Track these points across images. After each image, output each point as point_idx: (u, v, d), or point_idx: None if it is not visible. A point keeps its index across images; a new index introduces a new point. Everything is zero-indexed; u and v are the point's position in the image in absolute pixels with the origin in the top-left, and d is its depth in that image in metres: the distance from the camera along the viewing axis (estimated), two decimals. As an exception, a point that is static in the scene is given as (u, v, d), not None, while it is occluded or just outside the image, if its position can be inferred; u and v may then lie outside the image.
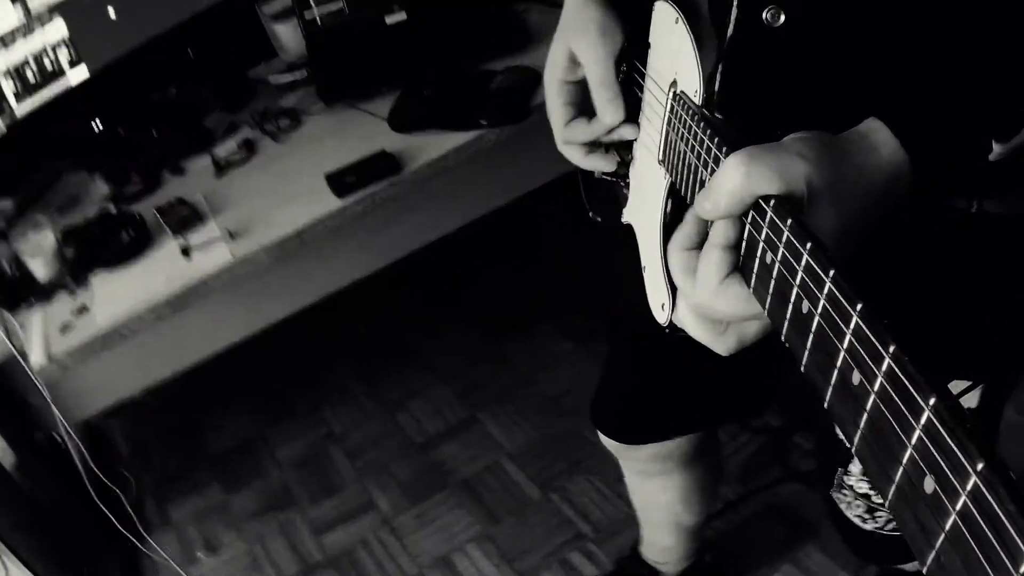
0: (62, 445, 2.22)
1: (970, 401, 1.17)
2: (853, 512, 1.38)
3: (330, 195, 2.22)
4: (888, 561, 1.56)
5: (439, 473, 2.72)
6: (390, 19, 2.51)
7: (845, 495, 1.37)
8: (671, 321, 1.01)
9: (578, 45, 1.09)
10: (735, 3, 0.88)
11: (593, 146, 1.16)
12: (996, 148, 0.81)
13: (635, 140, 1.13)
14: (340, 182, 2.23)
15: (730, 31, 0.89)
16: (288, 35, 2.73)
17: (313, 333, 3.09)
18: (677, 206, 1.03)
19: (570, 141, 1.16)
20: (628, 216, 1.20)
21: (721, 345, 0.86)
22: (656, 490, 1.91)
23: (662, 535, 2.09)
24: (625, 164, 1.18)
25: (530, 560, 2.44)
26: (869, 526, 1.37)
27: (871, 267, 0.75)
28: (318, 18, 2.53)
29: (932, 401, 0.52)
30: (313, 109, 2.57)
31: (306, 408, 3.04)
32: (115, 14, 2.51)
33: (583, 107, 1.14)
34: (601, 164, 1.17)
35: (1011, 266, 1.08)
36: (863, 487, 1.33)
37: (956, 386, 1.14)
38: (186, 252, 2.19)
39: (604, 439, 1.75)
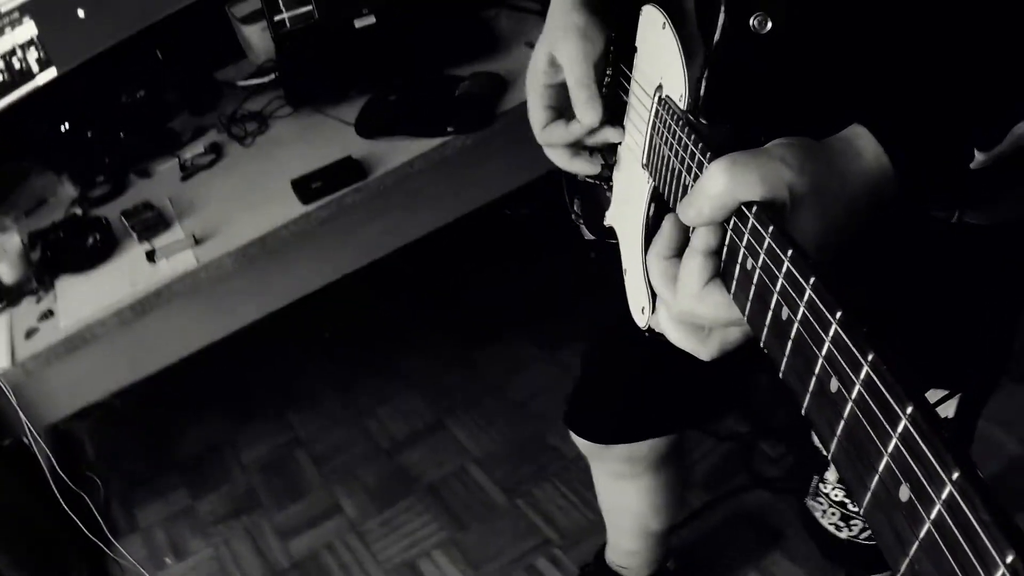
0: (30, 449, 2.21)
1: (947, 411, 1.17)
2: (828, 520, 1.38)
3: (295, 201, 2.22)
4: (863, 570, 1.56)
5: (406, 479, 2.72)
6: (359, 23, 2.51)
7: (820, 503, 1.37)
8: (650, 324, 1.02)
9: (559, 48, 1.10)
10: (722, 9, 0.88)
11: (576, 149, 1.16)
12: (978, 156, 0.82)
13: (619, 144, 1.13)
14: (305, 188, 2.22)
15: (717, 36, 0.89)
16: (257, 37, 2.72)
17: (280, 338, 3.08)
18: (660, 210, 1.02)
19: (549, 143, 1.16)
20: (610, 219, 1.20)
21: (704, 351, 0.86)
22: (625, 493, 1.92)
23: (628, 540, 2.09)
24: (609, 167, 1.18)
25: (496, 566, 2.44)
26: (844, 534, 1.38)
27: (852, 276, 0.74)
28: (287, 21, 2.52)
29: (909, 410, 0.52)
30: (280, 113, 2.57)
31: (273, 413, 3.03)
32: (85, 15, 2.49)
33: (563, 110, 1.14)
34: (584, 167, 1.17)
35: (989, 277, 1.10)
36: (839, 495, 1.34)
37: (933, 395, 1.15)
38: (151, 257, 2.18)
39: (577, 439, 1.75)
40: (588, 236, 1.41)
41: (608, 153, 1.17)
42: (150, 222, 2.27)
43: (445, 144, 2.28)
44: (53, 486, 2.27)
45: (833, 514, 1.36)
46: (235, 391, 3.14)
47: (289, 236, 2.20)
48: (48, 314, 2.16)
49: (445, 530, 2.55)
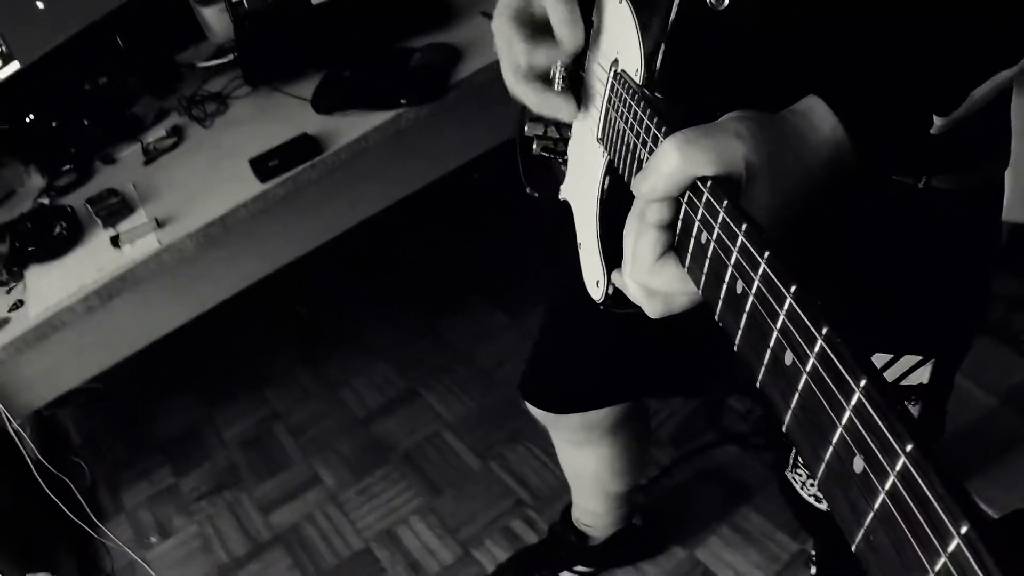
0: (14, 437, 2.25)
1: (922, 376, 1.17)
2: (807, 492, 1.38)
3: (254, 179, 2.24)
4: (843, 541, 1.58)
5: (381, 447, 2.77)
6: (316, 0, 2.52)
7: (800, 475, 1.37)
8: (605, 297, 1.03)
9: None
10: None
11: (547, 86, 1.07)
12: (937, 122, 0.82)
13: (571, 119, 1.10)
14: (263, 166, 2.24)
15: (673, 13, 0.88)
16: (215, 18, 2.73)
17: (250, 317, 3.12)
18: (614, 184, 1.03)
19: (536, 65, 1.04)
20: (565, 193, 1.20)
21: (649, 308, 0.86)
22: (584, 459, 1.95)
23: (591, 501, 2.13)
24: (564, 141, 1.18)
25: (472, 529, 2.49)
26: (823, 506, 1.35)
27: (817, 246, 0.77)
28: (244, 1, 2.54)
29: (863, 382, 0.52)
30: (239, 93, 2.58)
31: (249, 389, 3.08)
32: (44, 6, 2.50)
33: (537, 41, 1.05)
34: (562, 105, 1.06)
35: (959, 241, 1.09)
36: None
37: (908, 361, 1.15)
38: (115, 242, 2.21)
39: (533, 409, 1.78)
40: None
41: (563, 127, 1.17)
42: (114, 208, 2.29)
43: (399, 116, 2.29)
44: (35, 473, 2.31)
45: (811, 486, 1.36)
46: (212, 370, 3.20)
47: (248, 215, 2.21)
48: (18, 304, 2.19)
49: (421, 496, 2.60)
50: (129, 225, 2.26)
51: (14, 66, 2.47)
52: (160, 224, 2.22)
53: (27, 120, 2.58)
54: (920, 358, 1.15)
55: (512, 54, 1.06)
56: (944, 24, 0.83)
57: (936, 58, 0.83)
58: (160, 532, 2.72)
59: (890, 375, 1.15)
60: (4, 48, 2.45)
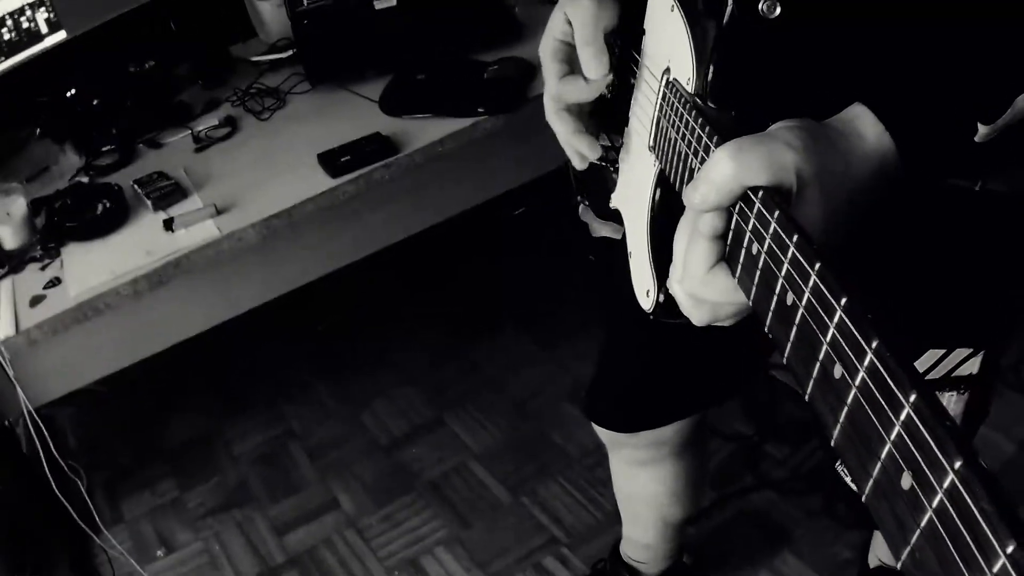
0: (24, 430, 2.11)
1: (971, 367, 1.20)
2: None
3: (322, 174, 2.17)
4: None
5: (405, 474, 2.65)
6: (379, 4, 2.46)
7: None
8: (655, 306, 1.03)
9: (571, 9, 1.10)
10: None
11: (581, 124, 1.14)
12: (982, 130, 0.82)
13: (627, 126, 1.13)
14: (334, 162, 2.17)
15: (726, 20, 0.89)
16: (270, 15, 2.67)
17: (270, 329, 3.00)
18: (665, 194, 1.03)
19: (563, 98, 1.13)
20: (616, 202, 1.20)
21: (696, 316, 0.86)
22: (645, 480, 1.90)
23: (645, 531, 2.07)
24: (616, 149, 1.17)
25: (502, 564, 2.38)
26: None
27: (871, 251, 0.80)
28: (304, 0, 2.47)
29: (912, 397, 0.52)
30: (298, 89, 2.52)
31: (264, 405, 2.95)
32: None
33: (575, 70, 1.13)
34: (585, 146, 1.14)
35: (1010, 241, 1.12)
36: None
37: (959, 353, 1.19)
38: (168, 226, 2.10)
39: (600, 430, 1.75)
40: (597, 234, 1.43)
41: (615, 135, 1.17)
42: (166, 191, 2.19)
43: (475, 125, 2.25)
44: (46, 470, 2.17)
45: None
46: (224, 381, 3.06)
47: (315, 209, 2.13)
48: (55, 281, 2.06)
49: (448, 527, 2.49)
50: (183, 209, 2.14)
51: (60, 35, 2.39)
52: (219, 211, 2.11)
53: (67, 95, 2.46)
54: (971, 350, 1.19)
55: (547, 76, 1.15)
56: (988, 32, 0.84)
57: (980, 65, 0.83)
58: (163, 545, 2.56)
59: (942, 368, 1.20)
60: (52, 15, 2.35)
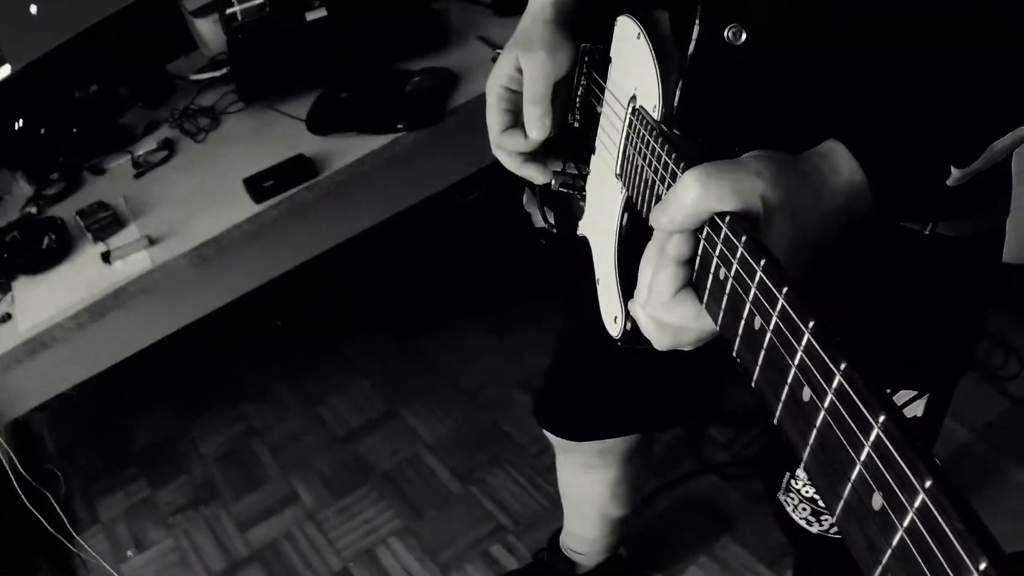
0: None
1: (916, 410, 1.19)
2: (799, 515, 1.40)
3: (248, 199, 2.23)
4: (835, 563, 1.61)
5: (361, 467, 2.76)
6: (311, 15, 2.50)
7: (792, 498, 1.39)
8: (623, 333, 1.03)
9: (524, 60, 1.12)
10: (697, 20, 0.89)
11: (528, 156, 1.19)
12: (955, 173, 0.83)
13: (592, 154, 1.14)
14: (258, 186, 2.22)
15: (691, 48, 0.90)
16: (208, 30, 2.70)
17: (229, 330, 3.07)
18: (632, 220, 1.04)
19: (502, 148, 1.18)
20: (584, 229, 1.21)
21: (657, 340, 0.87)
22: (590, 483, 1.95)
23: (587, 527, 2.13)
24: (583, 177, 1.19)
25: (451, 552, 2.49)
26: (815, 529, 1.39)
27: (822, 284, 0.76)
28: (238, 14, 2.51)
29: (882, 418, 0.53)
30: (232, 108, 2.56)
31: (227, 404, 3.06)
32: (37, 10, 2.46)
33: (519, 116, 1.16)
34: (535, 174, 1.19)
35: (959, 283, 1.13)
36: (809, 491, 1.35)
37: (903, 396, 1.18)
38: (106, 258, 2.18)
39: (549, 435, 1.79)
40: (538, 223, 1.42)
41: (581, 164, 1.19)
42: (105, 222, 2.26)
43: (395, 141, 2.29)
44: (15, 483, 2.28)
45: (804, 509, 1.37)
46: (189, 382, 3.16)
47: (242, 235, 2.20)
48: (6, 317, 2.16)
49: (401, 517, 2.60)
50: (120, 241, 2.23)
51: (5, 70, 2.44)
52: (152, 241, 2.20)
53: (16, 126, 2.54)
54: (916, 392, 1.18)
55: (491, 122, 1.18)
56: (966, 74, 0.84)
57: (957, 108, 0.83)
58: (136, 545, 2.70)
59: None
60: (-5, 52, 2.42)
